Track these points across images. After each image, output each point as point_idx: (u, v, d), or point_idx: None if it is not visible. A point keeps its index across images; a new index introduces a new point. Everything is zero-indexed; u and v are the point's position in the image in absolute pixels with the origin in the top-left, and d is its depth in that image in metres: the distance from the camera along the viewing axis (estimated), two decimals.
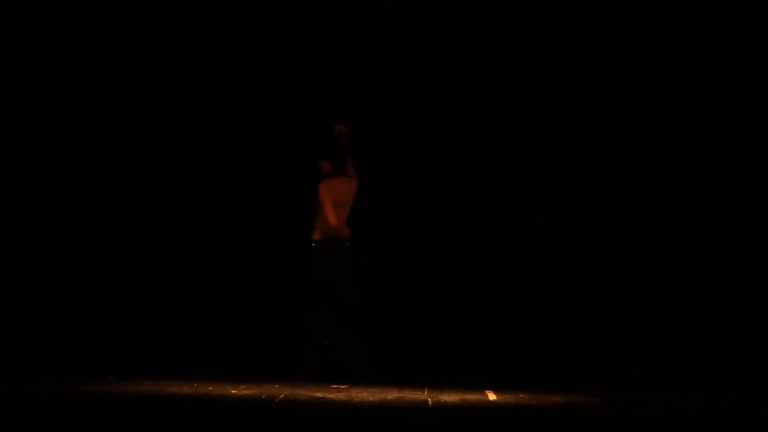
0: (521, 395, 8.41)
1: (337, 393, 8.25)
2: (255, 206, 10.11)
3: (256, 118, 10.07)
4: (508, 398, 8.23)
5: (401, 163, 10.09)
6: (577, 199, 10.02)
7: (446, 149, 10.09)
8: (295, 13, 9.90)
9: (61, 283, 10.19)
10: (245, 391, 8.22)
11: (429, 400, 8.00)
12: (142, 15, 10.01)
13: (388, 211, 10.02)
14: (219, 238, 10.23)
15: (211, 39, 10.04)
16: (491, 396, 8.35)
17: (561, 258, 10.12)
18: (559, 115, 9.89)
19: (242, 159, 10.08)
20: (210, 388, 8.34)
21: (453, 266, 10.24)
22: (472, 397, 8.22)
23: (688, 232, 9.83)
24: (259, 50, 10.00)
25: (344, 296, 8.93)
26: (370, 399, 7.92)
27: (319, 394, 8.12)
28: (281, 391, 8.26)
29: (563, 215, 9.96)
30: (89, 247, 10.20)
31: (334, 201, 8.93)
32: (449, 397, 8.13)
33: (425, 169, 10.14)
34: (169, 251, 10.28)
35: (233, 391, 8.20)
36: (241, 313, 10.24)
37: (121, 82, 10.07)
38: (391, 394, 8.22)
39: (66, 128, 10.07)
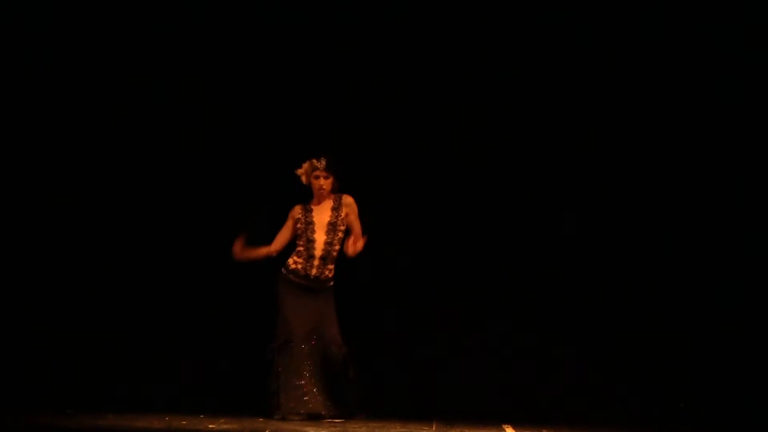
0: (544, 431, 8.15)
1: (332, 428, 7.94)
2: (232, 222, 9.65)
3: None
4: None
5: (410, 174, 9.79)
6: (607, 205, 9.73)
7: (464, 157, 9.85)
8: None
9: (12, 302, 9.79)
10: (225, 426, 7.85)
11: None
12: (138, 17, 9.86)
13: (393, 224, 9.55)
14: (197, 250, 9.80)
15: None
16: None
17: (587, 272, 9.71)
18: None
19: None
20: (184, 423, 7.99)
21: (465, 279, 9.80)
22: None
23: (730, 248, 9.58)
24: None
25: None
26: None
27: (311, 430, 7.79)
28: (266, 426, 7.87)
29: (590, 224, 9.70)
30: (41, 265, 9.83)
31: None
32: None
33: (432, 183, 9.83)
34: (136, 266, 9.86)
35: (211, 426, 7.82)
36: (220, 335, 9.79)
37: (117, 84, 9.85)
38: (394, 430, 7.91)
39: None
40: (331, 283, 8.47)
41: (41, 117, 9.75)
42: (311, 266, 8.37)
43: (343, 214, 8.45)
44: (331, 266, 8.44)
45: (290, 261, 8.44)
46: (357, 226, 8.48)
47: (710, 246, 9.56)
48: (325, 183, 8.42)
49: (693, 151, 9.57)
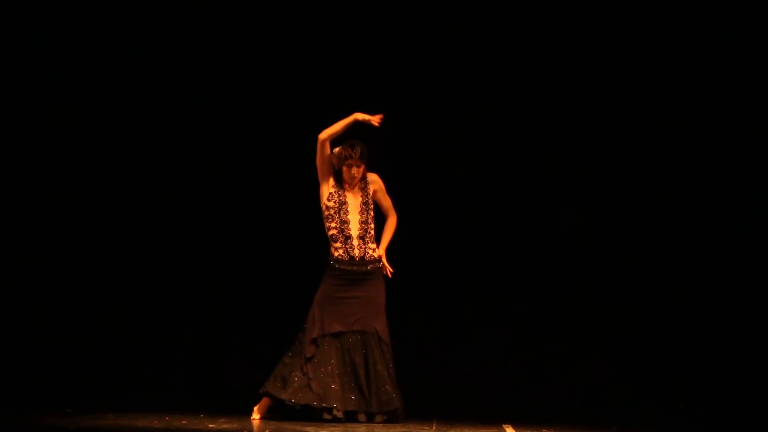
0: (545, 431, 8.17)
1: (332, 428, 7.93)
2: (237, 218, 9.86)
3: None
4: None
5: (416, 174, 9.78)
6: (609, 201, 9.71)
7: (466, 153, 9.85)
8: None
9: (12, 301, 9.74)
10: (225, 426, 7.86)
11: None
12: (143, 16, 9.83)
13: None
14: (198, 249, 9.81)
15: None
16: None
17: (588, 272, 9.70)
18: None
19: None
20: (184, 422, 8.00)
21: (465, 278, 9.77)
22: None
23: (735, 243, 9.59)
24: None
25: None
26: None
27: (311, 429, 7.80)
28: (266, 426, 7.92)
29: (590, 223, 9.68)
30: (40, 265, 9.78)
31: None
32: None
33: (431, 183, 9.83)
34: (136, 266, 9.81)
35: (211, 426, 7.84)
36: (221, 334, 9.74)
37: (119, 81, 9.83)
38: (394, 429, 7.96)
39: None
40: (379, 265, 8.44)
41: (41, 117, 9.72)
42: (351, 247, 8.36)
43: (371, 192, 8.48)
44: (372, 245, 8.44)
45: (331, 251, 8.40)
46: (386, 201, 8.55)
47: (711, 246, 9.53)
48: (357, 171, 8.40)
49: (693, 151, 9.55)
